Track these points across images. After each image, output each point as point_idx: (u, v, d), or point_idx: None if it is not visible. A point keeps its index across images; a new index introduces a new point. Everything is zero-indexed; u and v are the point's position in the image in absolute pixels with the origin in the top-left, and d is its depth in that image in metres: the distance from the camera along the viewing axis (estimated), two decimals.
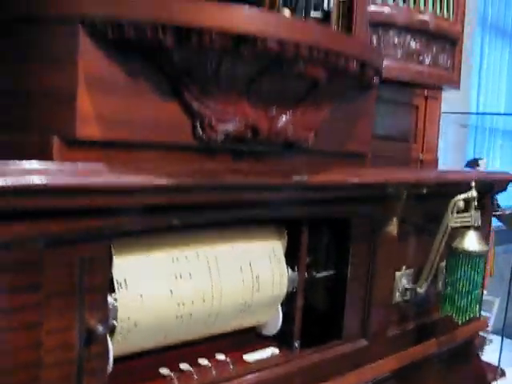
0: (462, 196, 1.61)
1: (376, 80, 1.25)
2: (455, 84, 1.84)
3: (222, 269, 1.23)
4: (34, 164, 0.81)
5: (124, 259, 1.05)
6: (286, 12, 1.18)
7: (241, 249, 1.29)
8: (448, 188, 1.66)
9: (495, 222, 3.42)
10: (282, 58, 0.97)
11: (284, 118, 1.10)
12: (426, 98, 2.07)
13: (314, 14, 1.40)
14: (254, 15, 0.92)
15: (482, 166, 3.38)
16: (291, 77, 1.04)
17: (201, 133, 1.02)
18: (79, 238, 0.92)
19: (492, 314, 3.58)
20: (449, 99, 3.93)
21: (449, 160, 3.77)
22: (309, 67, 1.01)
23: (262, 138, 1.07)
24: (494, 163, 5.03)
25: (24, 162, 0.81)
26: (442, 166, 2.92)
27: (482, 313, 3.56)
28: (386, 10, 1.63)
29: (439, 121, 2.17)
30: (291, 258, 1.38)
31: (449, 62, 1.79)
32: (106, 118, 0.92)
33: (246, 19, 0.91)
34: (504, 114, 4.77)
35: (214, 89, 0.99)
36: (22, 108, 0.94)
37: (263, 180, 1.12)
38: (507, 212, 3.40)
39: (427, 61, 1.72)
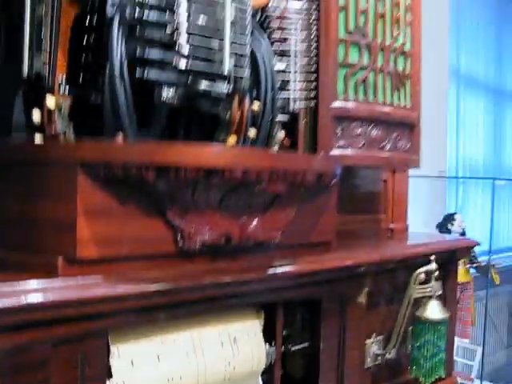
0: (423, 269, 1.81)
1: (335, 182, 1.46)
2: (415, 164, 2.06)
3: (206, 349, 1.41)
4: (44, 283, 1.02)
5: (120, 347, 1.24)
6: (252, 132, 1.39)
7: (223, 330, 1.47)
8: (411, 261, 1.86)
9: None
10: (246, 182, 1.18)
11: (253, 224, 1.30)
12: (394, 172, 2.28)
13: (280, 117, 1.61)
14: (220, 152, 1.14)
15: (458, 221, 3.57)
16: (256, 193, 1.24)
17: (181, 243, 1.21)
18: (82, 337, 1.11)
19: (475, 361, 3.74)
20: (427, 151, 4.18)
21: (427, 213, 3.96)
22: (270, 186, 1.22)
23: (235, 243, 1.27)
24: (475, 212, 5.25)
25: (34, 281, 1.02)
26: (416, 226, 3.13)
27: (466, 362, 3.74)
28: (349, 105, 1.85)
29: (407, 190, 2.38)
30: (269, 334, 1.56)
31: (408, 145, 2.01)
32: (100, 240, 1.12)
33: (213, 156, 1.12)
34: (473, 178, 5.00)
35: (191, 208, 1.19)
36: (33, 234, 1.14)
37: (238, 277, 1.32)
38: (483, 264, 3.60)
39: (388, 147, 1.93)
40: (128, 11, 1.32)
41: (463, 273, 3.52)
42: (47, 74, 1.28)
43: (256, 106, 1.36)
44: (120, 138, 1.15)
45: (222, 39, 1.26)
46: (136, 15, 1.31)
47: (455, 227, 3.59)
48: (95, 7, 1.37)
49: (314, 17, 1.71)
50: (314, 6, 1.73)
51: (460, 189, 5.16)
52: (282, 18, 1.60)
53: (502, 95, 6.03)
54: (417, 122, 2.05)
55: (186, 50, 1.23)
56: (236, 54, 1.30)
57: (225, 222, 1.25)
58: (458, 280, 3.47)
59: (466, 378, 3.62)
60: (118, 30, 1.31)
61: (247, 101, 1.34)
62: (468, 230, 4.06)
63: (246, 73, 1.32)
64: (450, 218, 3.64)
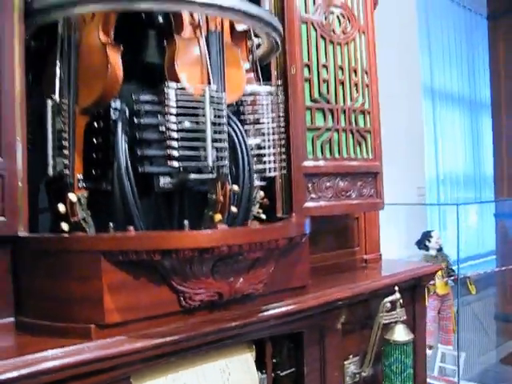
0: (389, 298, 2.16)
1: (305, 239, 1.81)
2: (380, 207, 2.42)
3: (208, 380, 1.75)
4: (85, 345, 1.38)
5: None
6: (235, 187, 1.73)
7: (221, 363, 1.82)
8: (379, 292, 2.21)
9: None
10: (231, 254, 1.53)
11: (239, 282, 1.65)
12: None
13: (257, 183, 1.96)
14: (208, 235, 1.50)
15: (435, 238, 3.93)
16: (240, 260, 1.60)
17: (184, 303, 1.56)
18: (112, 381, 1.46)
19: (460, 366, 4.08)
20: (405, 167, 4.51)
21: (412, 231, 4.29)
22: (250, 254, 1.57)
23: (226, 298, 1.62)
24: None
25: (79, 344, 1.37)
26: (398, 244, 3.49)
27: (449, 367, 4.08)
28: (318, 163, 2.20)
29: (378, 224, 2.73)
30: (260, 364, 1.90)
31: (372, 190, 2.36)
32: (122, 308, 1.47)
33: (204, 239, 1.48)
34: (439, 204, 5.33)
35: (189, 276, 1.54)
36: (67, 307, 1.49)
37: (231, 323, 1.67)
38: (461, 276, 3.96)
39: (354, 195, 2.29)
40: (127, 117, 1.68)
41: (442, 285, 3.88)
42: (68, 173, 1.63)
43: (235, 187, 1.71)
44: (131, 230, 1.49)
45: (204, 138, 1.61)
46: (134, 121, 1.67)
47: (432, 244, 3.94)
48: (101, 115, 1.72)
49: (281, 96, 2.06)
50: (280, 87, 2.08)
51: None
52: (253, 103, 1.95)
53: (476, 107, 6.39)
54: (379, 170, 2.41)
55: (175, 151, 1.58)
56: (217, 148, 1.65)
57: (217, 284, 1.60)
58: (438, 292, 3.85)
59: (449, 382, 3.97)
60: (121, 133, 1.66)
61: (228, 184, 1.69)
62: (448, 243, 4.42)
63: (226, 162, 1.67)
64: (427, 235, 3.98)
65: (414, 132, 4.95)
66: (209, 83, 1.66)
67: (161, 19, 1.89)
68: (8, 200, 1.52)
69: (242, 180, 1.76)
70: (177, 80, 1.63)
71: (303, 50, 2.22)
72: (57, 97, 1.64)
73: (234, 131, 1.77)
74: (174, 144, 1.59)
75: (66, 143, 1.63)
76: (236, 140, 1.77)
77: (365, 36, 2.42)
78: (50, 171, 1.63)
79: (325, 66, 2.25)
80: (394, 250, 3.89)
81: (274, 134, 1.98)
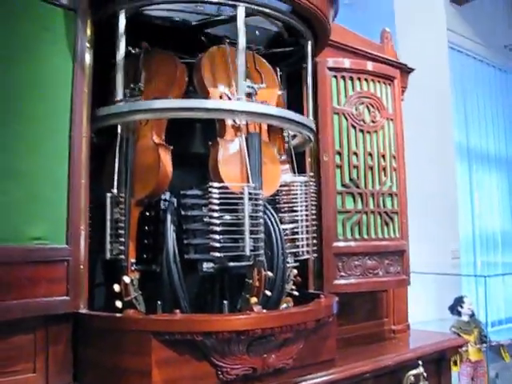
0: (413, 372, 2.34)
1: (333, 318, 2.03)
2: (407, 284, 2.62)
3: None
4: None
5: None
6: (270, 274, 1.95)
7: None
8: (405, 364, 2.39)
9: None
10: (264, 335, 1.76)
11: (271, 358, 1.87)
12: None
13: (291, 263, 2.18)
14: (244, 319, 1.73)
15: (467, 303, 4.05)
16: (272, 340, 1.82)
17: (222, 377, 1.79)
18: None
19: None
20: (439, 229, 4.65)
21: (444, 293, 4.40)
22: (281, 335, 1.80)
23: (260, 372, 1.84)
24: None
25: None
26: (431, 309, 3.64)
27: None
28: (347, 243, 2.43)
29: (407, 294, 2.92)
30: None
31: (399, 267, 2.57)
32: (167, 380, 1.71)
33: (240, 323, 1.72)
34: (466, 276, 5.40)
35: (227, 353, 1.77)
36: (121, 378, 1.73)
37: None
38: (494, 343, 4.07)
39: (381, 273, 2.50)
40: (175, 208, 1.95)
41: (475, 352, 3.97)
42: (123, 257, 1.89)
43: (270, 274, 1.95)
44: (178, 312, 1.74)
45: (242, 231, 1.86)
46: (181, 212, 1.94)
47: (465, 310, 4.06)
48: (153, 206, 2.00)
49: (313, 186, 2.31)
50: (313, 177, 2.33)
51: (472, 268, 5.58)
52: (288, 193, 2.20)
53: None
54: (406, 248, 2.61)
55: (217, 242, 1.84)
56: (253, 239, 1.89)
57: (251, 360, 1.82)
58: (471, 358, 3.96)
59: None
60: (170, 223, 1.93)
61: (263, 270, 1.93)
62: (481, 309, 4.50)
63: (262, 251, 1.92)
64: (459, 301, 4.10)
65: (448, 193, 5.06)
66: (248, 181, 1.91)
67: None
68: (72, 282, 1.79)
69: (276, 264, 2.00)
70: (219, 178, 1.89)
71: (335, 138, 2.48)
72: (115, 190, 1.92)
73: (270, 219, 2.02)
74: (216, 236, 1.84)
75: (121, 231, 1.90)
76: (271, 228, 2.01)
77: (393, 123, 2.66)
78: (108, 255, 1.90)
79: (355, 153, 2.50)
80: (425, 313, 4.04)
81: (307, 220, 2.21)
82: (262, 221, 1.93)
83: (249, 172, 1.93)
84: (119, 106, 1.91)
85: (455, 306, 4.12)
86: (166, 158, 1.94)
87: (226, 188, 1.88)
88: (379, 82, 2.63)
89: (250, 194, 1.89)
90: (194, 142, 2.25)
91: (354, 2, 4.80)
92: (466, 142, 5.95)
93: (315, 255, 2.29)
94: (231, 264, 1.90)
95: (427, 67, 4.41)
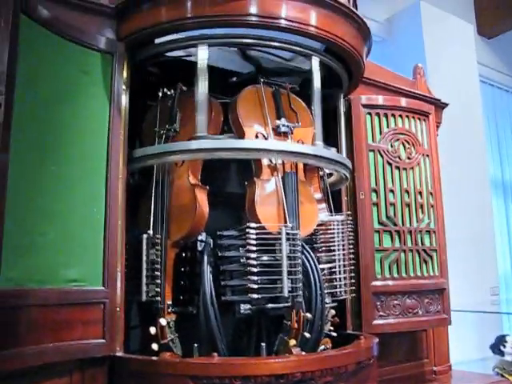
0: None
1: (373, 360, 1.96)
2: (447, 323, 2.53)
3: None
4: None
5: None
6: (308, 315, 1.90)
7: None
8: None
9: None
10: (304, 379, 1.70)
11: None
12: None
13: (329, 303, 2.13)
14: (283, 363, 1.68)
15: (510, 342, 3.89)
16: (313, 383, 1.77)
17: None
18: None
19: None
20: (477, 266, 4.54)
21: (485, 331, 4.27)
22: (321, 379, 1.74)
23: None
24: None
25: None
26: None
27: None
28: (386, 282, 2.37)
29: (448, 334, 2.83)
30: None
31: (439, 306, 2.49)
32: None
33: (279, 366, 1.66)
34: None
35: None
36: None
37: None
38: None
39: (421, 312, 2.43)
40: (211, 249, 1.93)
41: None
42: (159, 299, 1.87)
43: (309, 315, 1.90)
44: (215, 356, 1.70)
45: (280, 272, 1.82)
46: (218, 253, 1.91)
47: (508, 349, 3.90)
48: (189, 247, 1.98)
49: (350, 225, 2.27)
50: (350, 216, 2.29)
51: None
52: (325, 232, 2.16)
53: None
54: (446, 286, 2.54)
55: (255, 284, 1.80)
56: (292, 279, 1.85)
57: None
58: None
59: None
60: (207, 264, 1.90)
61: (302, 312, 1.88)
62: None
63: (300, 292, 1.87)
64: (501, 339, 3.95)
65: (485, 228, 4.96)
66: (285, 221, 1.88)
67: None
68: (108, 324, 1.76)
69: (315, 305, 1.95)
70: (256, 219, 1.86)
71: (371, 175, 2.44)
72: (151, 231, 1.90)
73: (307, 259, 1.97)
74: (254, 277, 1.81)
75: (158, 273, 1.87)
76: (309, 268, 1.96)
77: (429, 159, 2.62)
78: (144, 297, 1.87)
79: (391, 190, 2.46)
80: (466, 352, 3.91)
81: (344, 259, 2.17)
82: (299, 261, 1.89)
83: (286, 212, 1.90)
84: (155, 147, 1.91)
85: (497, 345, 3.95)
86: (203, 199, 1.92)
87: (263, 228, 1.85)
88: (414, 117, 2.60)
89: (287, 234, 1.85)
90: (229, 181, 2.24)
91: (385, 38, 4.81)
92: (500, 175, 5.85)
93: (353, 295, 2.23)
94: (269, 306, 1.86)
95: (459, 101, 4.36)
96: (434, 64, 4.58)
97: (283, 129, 1.98)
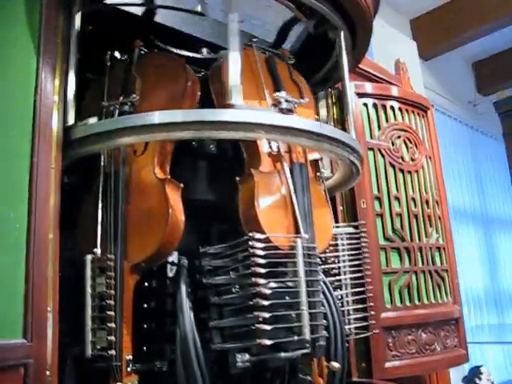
0: None
1: None
2: (465, 359, 1.93)
3: None
4: None
5: None
6: (335, 365, 1.25)
7: None
8: None
9: None
10: None
11: None
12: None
13: None
14: None
15: (485, 374, 3.33)
16: None
17: None
18: None
19: None
20: None
21: None
22: None
23: None
24: None
25: None
26: None
27: None
28: (399, 313, 1.75)
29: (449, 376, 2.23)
30: None
31: (456, 339, 1.89)
32: None
33: None
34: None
35: None
36: None
37: None
38: None
39: (438, 348, 1.81)
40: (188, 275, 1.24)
41: None
42: (114, 354, 1.15)
43: (336, 365, 1.23)
44: None
45: (298, 303, 1.16)
46: (200, 280, 1.23)
47: (483, 381, 3.35)
48: (155, 273, 1.28)
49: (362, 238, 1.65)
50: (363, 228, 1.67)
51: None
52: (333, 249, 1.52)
53: (489, 224, 6.03)
54: (460, 314, 1.95)
55: (266, 325, 1.12)
56: (311, 314, 1.19)
57: None
58: None
59: None
60: (185, 298, 1.21)
61: (324, 361, 1.22)
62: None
63: (323, 332, 1.21)
64: (476, 371, 3.39)
65: None
66: (296, 231, 1.23)
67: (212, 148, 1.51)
68: None
69: (334, 351, 1.29)
70: (259, 228, 1.19)
71: (372, 180, 1.84)
72: (98, 250, 1.19)
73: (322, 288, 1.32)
74: (265, 314, 1.12)
75: (110, 313, 1.16)
76: (324, 299, 1.31)
77: (431, 161, 2.05)
78: (89, 351, 1.15)
79: (397, 198, 1.86)
80: None
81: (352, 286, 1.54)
82: (320, 287, 1.24)
83: (298, 218, 1.24)
84: (103, 123, 1.21)
85: (472, 379, 3.37)
86: (176, 201, 1.23)
87: (269, 241, 1.19)
88: (413, 112, 2.02)
89: (303, 248, 1.20)
90: (198, 184, 1.54)
91: None
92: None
93: (363, 332, 1.59)
94: (282, 355, 1.17)
95: None
96: None
97: (285, 105, 1.33)
